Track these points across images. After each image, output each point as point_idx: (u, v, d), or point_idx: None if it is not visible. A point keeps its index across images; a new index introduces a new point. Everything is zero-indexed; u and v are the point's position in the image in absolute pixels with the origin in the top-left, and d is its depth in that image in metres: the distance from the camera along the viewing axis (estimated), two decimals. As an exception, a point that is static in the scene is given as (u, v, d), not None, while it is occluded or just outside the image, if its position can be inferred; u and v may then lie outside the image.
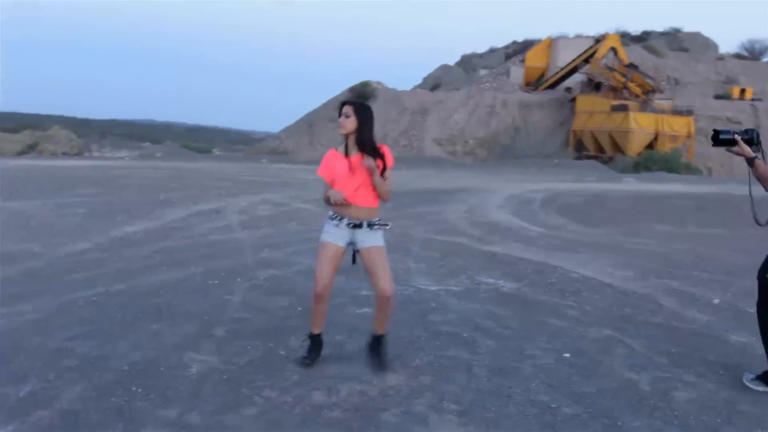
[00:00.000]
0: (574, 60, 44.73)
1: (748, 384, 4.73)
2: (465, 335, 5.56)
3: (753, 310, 5.15)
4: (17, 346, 4.95)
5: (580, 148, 40.88)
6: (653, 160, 31.70)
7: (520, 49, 57.91)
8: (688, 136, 39.07)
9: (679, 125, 38.69)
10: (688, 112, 39.50)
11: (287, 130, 47.63)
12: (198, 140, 64.14)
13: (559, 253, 9.61)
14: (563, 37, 50.82)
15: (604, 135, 39.00)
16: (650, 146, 37.60)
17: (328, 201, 4.61)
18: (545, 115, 43.45)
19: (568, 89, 45.05)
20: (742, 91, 46.15)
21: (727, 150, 4.68)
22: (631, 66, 41.79)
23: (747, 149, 4.55)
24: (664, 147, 36.46)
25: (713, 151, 39.46)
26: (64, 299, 6.28)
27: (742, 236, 10.79)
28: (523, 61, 51.01)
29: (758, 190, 4.60)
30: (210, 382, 4.40)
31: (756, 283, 4.71)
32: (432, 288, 7.17)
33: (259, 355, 4.93)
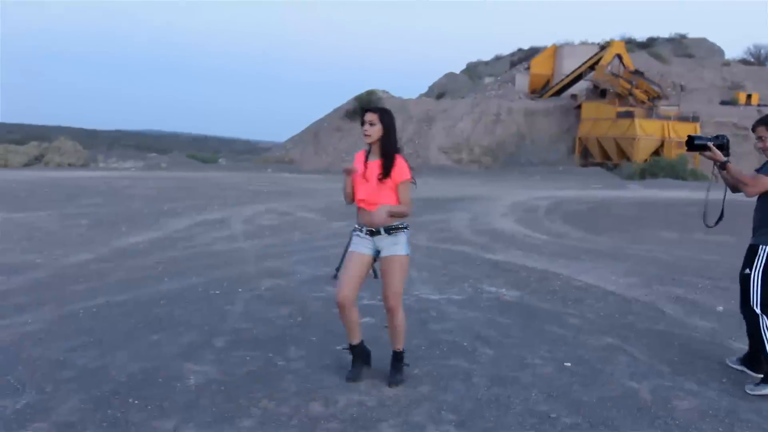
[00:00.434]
0: (579, 67, 44.68)
1: (730, 364, 5.19)
2: (465, 344, 5.54)
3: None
4: (16, 357, 4.95)
5: (585, 155, 40.78)
6: (659, 166, 31.57)
7: (525, 57, 57.94)
8: (694, 142, 38.89)
9: (685, 131, 38.50)
10: (694, 119, 39.38)
11: (293, 140, 47.71)
12: (205, 150, 64.26)
13: (563, 261, 9.58)
14: (568, 45, 50.83)
15: (609, 142, 38.90)
16: (656, 153, 37.49)
17: (345, 172, 4.64)
18: (551, 123, 43.38)
19: (574, 96, 44.95)
20: (749, 96, 46.01)
21: (701, 154, 4.99)
22: (637, 72, 41.69)
23: (719, 154, 4.87)
24: (671, 153, 36.34)
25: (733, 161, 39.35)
26: (65, 310, 6.28)
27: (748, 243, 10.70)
28: (528, 68, 51.00)
29: (740, 195, 5.02)
30: (208, 393, 4.39)
31: None
32: (433, 297, 7.15)
33: (258, 366, 4.91)
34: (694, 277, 8.69)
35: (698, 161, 37.12)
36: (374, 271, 4.73)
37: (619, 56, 42.33)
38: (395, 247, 4.58)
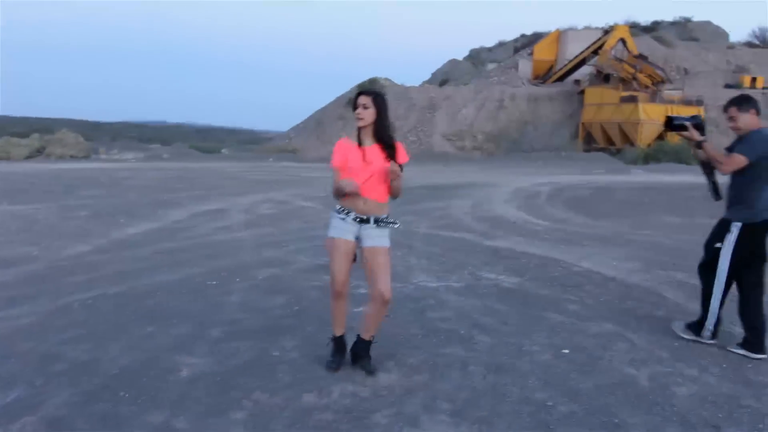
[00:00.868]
0: (582, 52, 44.45)
1: (678, 332, 5.47)
2: (462, 332, 5.47)
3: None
4: (9, 350, 4.90)
5: (589, 140, 40.61)
6: (663, 151, 31.43)
7: (528, 42, 57.65)
8: (699, 126, 38.70)
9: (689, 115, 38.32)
10: (699, 102, 39.12)
11: (296, 129, 47.63)
12: (209, 141, 64.22)
13: (564, 247, 9.50)
14: (572, 30, 50.53)
15: (613, 127, 38.70)
16: (660, 137, 37.31)
17: (338, 192, 4.44)
18: (554, 108, 43.18)
19: (577, 81, 44.73)
20: (753, 79, 45.70)
21: (678, 134, 5.32)
22: (641, 57, 41.43)
23: (696, 134, 5.16)
24: (675, 138, 36.15)
25: (725, 142, 39.15)
26: (59, 302, 6.23)
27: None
28: (531, 54, 50.74)
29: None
30: (200, 385, 4.33)
31: None
32: (432, 284, 7.08)
33: (252, 357, 4.86)
34: (696, 261, 8.56)
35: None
36: (355, 256, 4.60)
37: (623, 40, 42.10)
38: (379, 239, 4.49)
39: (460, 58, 65.85)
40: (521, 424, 3.86)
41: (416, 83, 52.45)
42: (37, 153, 26.96)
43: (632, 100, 38.07)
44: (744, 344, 5.17)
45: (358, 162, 4.43)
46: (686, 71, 47.59)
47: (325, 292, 6.68)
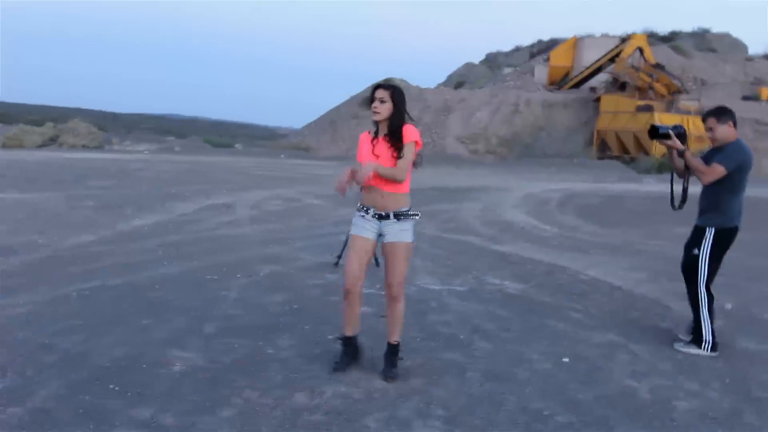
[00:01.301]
0: (599, 59, 44.10)
1: (681, 350, 5.38)
2: (462, 337, 5.38)
3: (767, 316, 5.04)
4: (1, 339, 4.86)
5: (604, 148, 40.32)
6: (678, 161, 31.14)
7: (545, 48, 57.34)
8: (715, 137, 38.38)
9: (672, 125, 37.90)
10: (715, 114, 38.79)
11: (310, 127, 47.54)
12: (224, 135, 64.25)
13: (571, 254, 9.38)
14: (589, 37, 50.23)
15: (628, 135, 38.37)
16: (675, 147, 37.01)
17: (357, 182, 4.39)
18: (569, 115, 42.90)
19: (593, 89, 44.42)
20: (772, 92, 45.27)
21: (661, 143, 5.44)
22: (657, 66, 41.09)
23: (678, 143, 5.30)
24: (690, 148, 35.84)
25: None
26: (58, 293, 6.18)
27: (765, 239, 10.44)
28: (547, 60, 50.45)
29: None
30: (190, 380, 4.26)
31: None
32: (435, 287, 6.99)
33: (246, 354, 4.79)
34: (706, 273, 8.45)
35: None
36: (376, 260, 4.55)
37: (640, 49, 41.75)
38: (402, 233, 4.41)
39: (476, 61, 65.61)
40: (516, 434, 3.77)
41: (431, 85, 52.30)
42: (50, 142, 27.03)
43: (648, 109, 37.74)
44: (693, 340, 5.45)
45: (369, 155, 4.40)
46: (703, 82, 47.19)
47: (325, 290, 6.65)
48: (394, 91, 4.43)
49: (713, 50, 54.77)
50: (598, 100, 42.52)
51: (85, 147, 26.89)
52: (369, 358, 4.67)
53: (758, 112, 40.95)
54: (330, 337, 5.19)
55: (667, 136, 5.34)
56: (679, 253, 10.13)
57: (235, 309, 5.89)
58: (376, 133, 4.47)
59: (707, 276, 5.44)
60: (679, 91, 40.34)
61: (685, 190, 5.56)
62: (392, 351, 4.56)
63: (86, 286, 6.40)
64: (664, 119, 37.20)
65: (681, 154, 5.34)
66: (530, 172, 27.03)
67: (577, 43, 49.44)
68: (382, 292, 5.38)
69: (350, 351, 4.62)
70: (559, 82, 48.00)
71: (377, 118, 4.39)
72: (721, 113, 5.32)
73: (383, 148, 4.39)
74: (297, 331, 5.33)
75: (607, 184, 21.38)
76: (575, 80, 46.36)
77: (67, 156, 22.04)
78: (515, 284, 7.34)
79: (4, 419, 3.64)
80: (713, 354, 5.27)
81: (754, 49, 59.47)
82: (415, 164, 4.48)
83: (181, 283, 6.70)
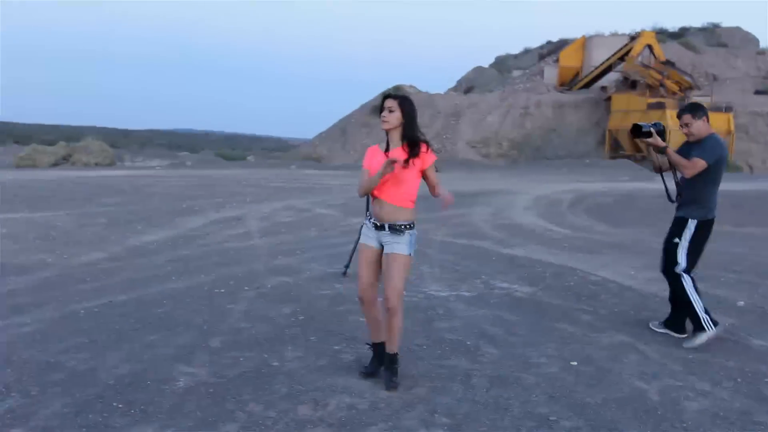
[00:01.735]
0: (608, 58, 43.93)
1: (653, 328, 5.82)
2: (468, 343, 5.34)
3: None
4: (8, 359, 4.86)
5: (616, 147, 40.13)
6: (691, 158, 30.94)
7: (554, 49, 57.18)
8: (728, 132, 38.13)
9: (718, 122, 37.65)
10: (727, 109, 38.46)
11: (321, 137, 47.65)
12: (236, 148, 64.56)
13: (582, 255, 9.32)
14: (598, 36, 50.04)
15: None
16: (688, 144, 36.75)
17: (365, 192, 4.50)
18: (580, 115, 42.73)
19: (604, 88, 44.24)
20: (785, 85, 44.93)
21: (642, 141, 5.61)
22: (668, 63, 40.88)
23: (659, 140, 5.48)
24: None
25: (754, 148, 38.53)
26: (66, 310, 6.19)
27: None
28: (557, 61, 50.33)
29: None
30: (195, 396, 4.25)
31: None
32: (442, 293, 6.95)
33: (251, 367, 4.77)
34: (719, 270, 8.38)
35: (732, 152, 36.35)
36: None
37: (650, 47, 41.58)
38: (396, 245, 4.41)
39: (485, 65, 65.56)
40: (521, 440, 3.73)
41: (441, 90, 52.27)
42: (63, 160, 27.22)
43: (660, 106, 37.51)
44: (667, 323, 5.78)
45: (379, 166, 4.38)
46: (715, 77, 46.90)
47: (333, 301, 6.63)
48: (403, 100, 4.44)
49: (724, 45, 54.44)
50: (609, 99, 42.35)
51: (97, 165, 27.06)
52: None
53: (771, 105, 40.59)
54: (336, 347, 5.18)
55: (648, 134, 5.49)
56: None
57: (242, 322, 5.87)
58: (387, 147, 4.48)
59: (687, 264, 5.63)
60: (690, 88, 40.13)
61: (677, 184, 5.70)
62: (391, 360, 4.52)
63: (94, 304, 6.41)
64: (675, 116, 36.98)
65: (662, 150, 5.52)
66: (541, 174, 26.94)
67: (586, 42, 49.27)
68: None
69: (378, 357, 4.62)
70: (569, 82, 47.87)
71: (386, 127, 4.41)
72: (696, 109, 5.59)
73: (398, 157, 4.36)
74: (303, 343, 5.30)
75: (620, 184, 21.25)
76: (585, 80, 46.22)
77: (79, 174, 22.18)
78: (524, 288, 7.29)
79: (7, 440, 3.64)
80: (717, 329, 5.47)
81: (766, 42, 58.94)
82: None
83: (188, 298, 6.70)
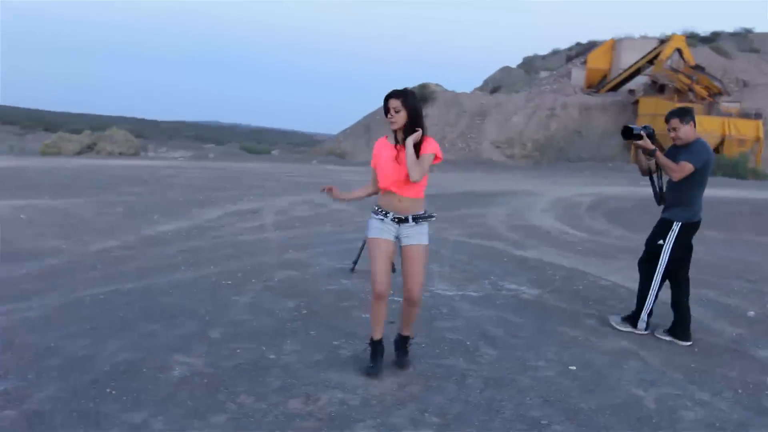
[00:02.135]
0: (637, 61, 43.51)
1: (615, 326, 5.90)
2: (468, 343, 5.31)
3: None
4: (8, 343, 4.91)
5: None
6: (718, 164, 30.49)
7: (582, 51, 56.76)
8: (757, 140, 37.60)
9: (746, 129, 37.15)
10: (757, 116, 37.90)
11: (345, 132, 47.71)
12: (263, 142, 64.88)
13: (595, 259, 9.23)
14: (627, 39, 49.57)
15: (667, 138, 37.80)
16: (716, 150, 36.27)
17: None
18: (606, 118, 42.35)
19: (631, 91, 43.82)
20: (817, 93, 44.17)
21: (633, 143, 5.75)
22: (697, 67, 40.37)
23: (649, 143, 5.61)
24: (731, 151, 35.10)
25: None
26: (72, 297, 6.25)
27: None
28: (584, 62, 49.94)
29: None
30: (189, 385, 4.27)
31: None
32: (448, 293, 6.92)
33: (248, 359, 4.78)
34: (733, 279, 8.27)
35: (760, 160, 35.88)
36: (393, 266, 4.60)
37: (680, 50, 41.09)
38: (420, 236, 4.52)
39: (513, 65, 65.24)
40: (509, 443, 3.69)
41: (468, 89, 52.10)
42: (88, 149, 27.47)
43: (687, 111, 37.08)
44: (672, 331, 5.70)
45: (389, 161, 4.48)
46: (745, 83, 46.24)
47: (338, 296, 6.62)
48: (406, 97, 4.47)
49: (756, 50, 53.68)
50: (636, 102, 41.94)
51: (121, 154, 27.28)
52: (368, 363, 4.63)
53: (802, 113, 39.93)
54: (335, 342, 5.18)
55: (639, 137, 5.61)
56: (709, 258, 10.00)
57: (245, 314, 5.89)
58: (396, 141, 4.53)
59: (666, 266, 5.71)
60: (719, 93, 39.61)
61: (660, 188, 5.87)
62: (404, 340, 4.71)
63: (100, 291, 6.46)
64: (704, 122, 36.52)
65: (651, 153, 5.64)
66: (563, 176, 26.74)
67: (615, 45, 48.82)
68: (396, 298, 5.36)
69: (379, 353, 4.66)
70: (597, 85, 47.48)
71: (394, 127, 4.48)
72: (684, 114, 5.73)
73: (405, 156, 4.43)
74: (302, 337, 5.31)
75: (641, 188, 20.99)
76: (613, 83, 45.81)
77: (102, 163, 22.39)
78: (531, 290, 7.23)
79: (-2, 422, 3.68)
80: (645, 332, 5.75)
81: (800, 50, 57.93)
82: None
83: (195, 289, 6.73)
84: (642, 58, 43.26)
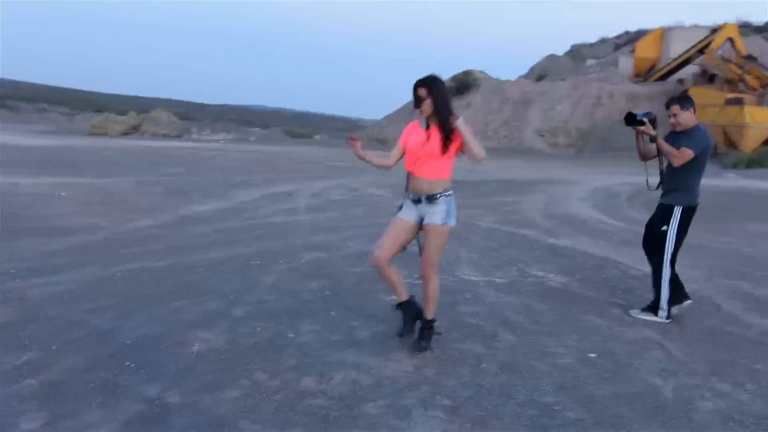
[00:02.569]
0: (687, 51, 42.56)
1: (635, 316, 5.88)
2: (487, 329, 5.28)
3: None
4: (35, 315, 5.05)
5: (689, 142, 38.92)
6: None
7: (631, 40, 55.69)
8: (807, 132, 36.55)
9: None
10: (810, 107, 36.91)
11: (389, 118, 47.69)
12: (306, 126, 65.20)
13: (629, 249, 9.08)
14: (678, 27, 48.50)
15: (716, 129, 36.90)
16: (766, 142, 35.37)
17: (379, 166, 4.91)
18: (654, 108, 41.48)
19: (680, 81, 42.92)
20: None
21: (635, 129, 5.80)
22: (750, 58, 39.33)
23: (651, 129, 5.69)
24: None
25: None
26: (102, 273, 6.39)
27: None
28: (632, 51, 49.02)
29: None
30: (205, 361, 4.34)
31: None
32: (474, 278, 6.89)
33: (266, 337, 4.84)
34: (770, 272, 8.07)
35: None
36: (419, 247, 4.67)
37: (731, 40, 40.05)
38: (433, 215, 4.59)
39: (559, 53, 64.30)
40: (517, 427, 3.67)
41: (512, 77, 51.61)
42: (133, 130, 27.98)
43: (738, 102, 36.17)
44: (650, 309, 5.88)
45: (418, 143, 4.59)
46: (800, 74, 44.92)
47: (361, 278, 6.65)
48: (431, 85, 4.55)
49: (813, 41, 51.98)
50: (685, 92, 41.06)
51: (165, 136, 27.71)
52: (389, 345, 4.65)
53: None
54: (354, 323, 5.21)
55: (641, 123, 5.69)
56: (748, 250, 9.78)
57: (268, 294, 5.95)
58: (427, 125, 4.62)
59: (673, 251, 5.83)
60: (772, 84, 38.50)
61: (661, 173, 6.00)
62: (425, 325, 4.76)
63: (131, 267, 6.60)
64: (755, 113, 35.64)
65: (653, 139, 5.72)
66: (605, 165, 26.38)
67: (664, 33, 47.77)
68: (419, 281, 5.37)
69: (410, 313, 4.81)
70: (645, 74, 46.56)
71: (424, 115, 4.60)
72: (684, 100, 5.80)
73: (435, 140, 4.53)
74: (322, 318, 5.35)
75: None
76: (662, 72, 44.86)
77: (145, 144, 22.76)
78: (559, 277, 7.17)
79: (18, 389, 3.79)
80: (667, 321, 5.75)
81: None
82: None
83: (223, 267, 6.82)
84: (692, 47, 42.26)
